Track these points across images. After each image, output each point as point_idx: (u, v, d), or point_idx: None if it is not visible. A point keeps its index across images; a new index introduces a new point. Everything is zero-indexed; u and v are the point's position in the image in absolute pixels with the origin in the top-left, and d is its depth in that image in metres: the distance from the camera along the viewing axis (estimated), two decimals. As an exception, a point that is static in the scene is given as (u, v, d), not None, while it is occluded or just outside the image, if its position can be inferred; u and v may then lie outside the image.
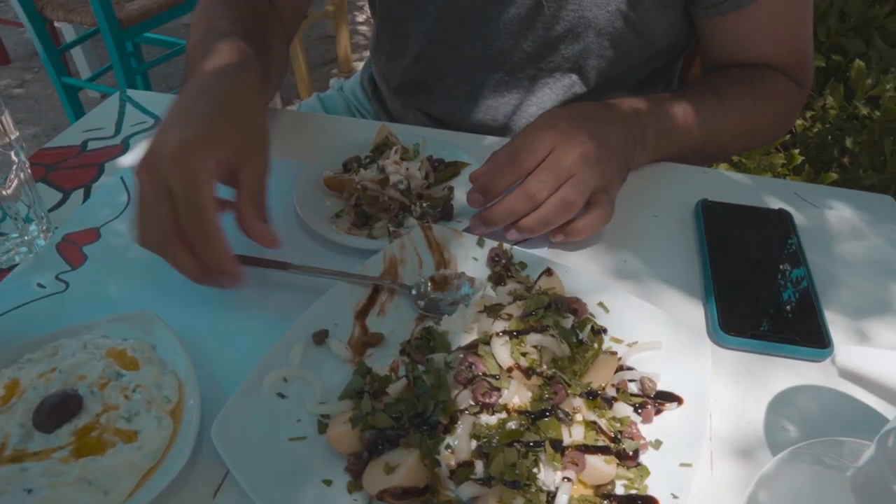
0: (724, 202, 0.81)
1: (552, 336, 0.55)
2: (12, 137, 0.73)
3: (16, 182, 0.74)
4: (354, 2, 3.89)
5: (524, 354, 0.54)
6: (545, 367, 0.54)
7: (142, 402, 0.58)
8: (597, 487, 0.52)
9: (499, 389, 0.52)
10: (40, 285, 0.74)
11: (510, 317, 0.57)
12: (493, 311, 0.60)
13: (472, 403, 0.52)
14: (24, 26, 3.65)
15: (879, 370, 0.62)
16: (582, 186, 0.71)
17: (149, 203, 0.61)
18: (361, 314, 0.66)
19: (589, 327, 0.59)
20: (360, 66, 3.33)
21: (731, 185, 0.88)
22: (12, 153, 0.73)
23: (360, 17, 3.80)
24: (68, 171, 0.90)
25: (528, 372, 0.53)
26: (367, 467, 0.52)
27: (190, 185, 0.59)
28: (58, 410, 0.57)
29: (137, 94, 1.06)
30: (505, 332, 0.55)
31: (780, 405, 0.61)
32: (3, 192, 0.73)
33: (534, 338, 0.55)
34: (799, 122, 1.71)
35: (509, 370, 0.53)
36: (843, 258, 0.77)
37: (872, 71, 1.59)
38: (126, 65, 2.21)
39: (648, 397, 0.58)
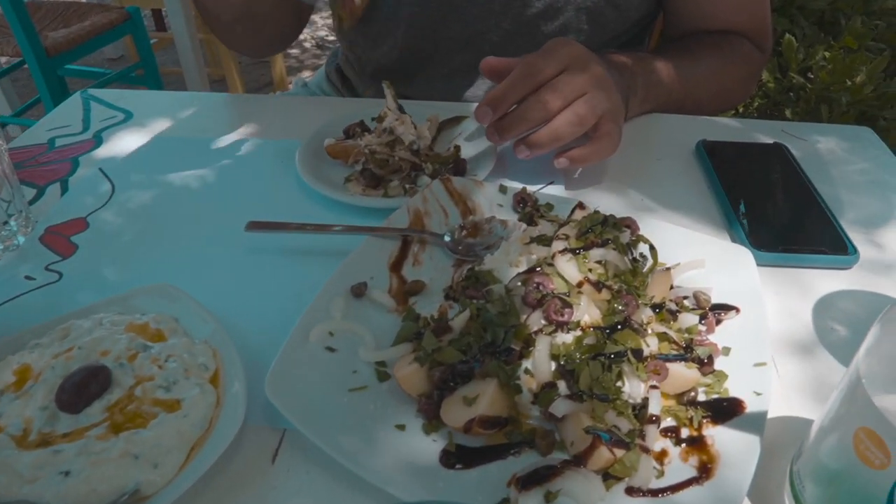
0: (722, 141, 0.83)
1: (614, 249, 0.53)
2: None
3: (-6, 169, 0.68)
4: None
5: (590, 270, 0.53)
6: (611, 281, 0.53)
7: (178, 371, 0.53)
8: (679, 396, 0.51)
9: (571, 306, 0.51)
10: (29, 277, 0.68)
11: (567, 236, 0.55)
12: (542, 239, 0.58)
13: (546, 323, 0.50)
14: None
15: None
16: (594, 103, 0.70)
17: None
18: (396, 266, 0.63)
19: (642, 245, 0.58)
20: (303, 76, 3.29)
21: (720, 127, 0.90)
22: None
23: (290, 42, 3.78)
24: (38, 167, 0.84)
25: (598, 285, 0.52)
26: (444, 404, 0.49)
27: None
28: (84, 387, 0.51)
29: (99, 93, 1.01)
30: (567, 250, 0.53)
31: (823, 310, 0.62)
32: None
33: (596, 253, 0.53)
34: (739, 98, 1.79)
35: (579, 285, 0.52)
36: (839, 180, 0.79)
37: (801, 45, 1.69)
38: (55, 96, 2.10)
39: (706, 309, 0.57)
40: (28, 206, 0.75)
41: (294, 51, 3.69)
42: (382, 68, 1.08)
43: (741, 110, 1.84)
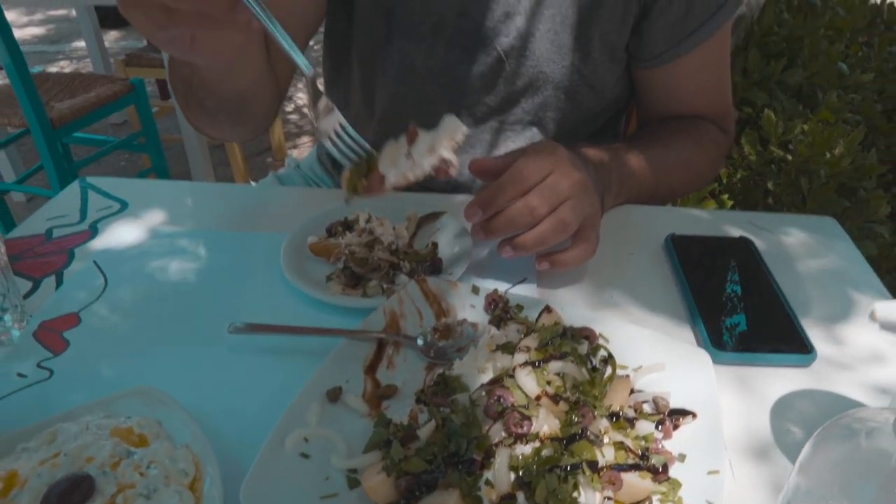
0: (690, 235, 0.87)
1: (572, 362, 0.57)
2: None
3: (-9, 270, 0.72)
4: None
5: (549, 383, 0.56)
6: (569, 393, 0.56)
7: (159, 478, 0.56)
8: (634, 506, 0.53)
9: (529, 418, 0.53)
10: (21, 375, 0.71)
11: (528, 349, 0.59)
12: (507, 347, 0.61)
13: (506, 435, 0.53)
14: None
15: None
16: (577, 210, 0.75)
17: None
18: (371, 369, 0.66)
19: (602, 353, 0.61)
20: (294, 153, 3.38)
21: (691, 219, 0.94)
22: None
23: (290, 107, 3.89)
24: (35, 259, 0.87)
25: (555, 398, 0.54)
26: (408, 514, 0.52)
27: None
28: (68, 496, 0.54)
29: (97, 181, 1.05)
30: (527, 363, 0.57)
31: (781, 410, 0.65)
32: (-20, 281, 0.70)
33: (555, 365, 0.57)
34: (724, 170, 1.85)
35: (537, 398, 0.55)
36: (803, 274, 0.83)
37: (780, 119, 1.75)
38: (58, 165, 2.17)
39: (664, 415, 0.60)
40: (23, 300, 0.79)
41: (293, 116, 3.79)
42: (371, 146, 1.13)
43: (724, 181, 1.90)
